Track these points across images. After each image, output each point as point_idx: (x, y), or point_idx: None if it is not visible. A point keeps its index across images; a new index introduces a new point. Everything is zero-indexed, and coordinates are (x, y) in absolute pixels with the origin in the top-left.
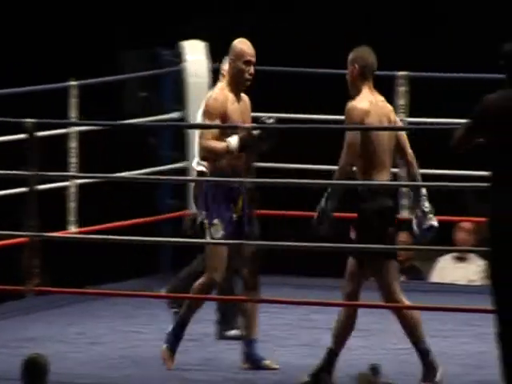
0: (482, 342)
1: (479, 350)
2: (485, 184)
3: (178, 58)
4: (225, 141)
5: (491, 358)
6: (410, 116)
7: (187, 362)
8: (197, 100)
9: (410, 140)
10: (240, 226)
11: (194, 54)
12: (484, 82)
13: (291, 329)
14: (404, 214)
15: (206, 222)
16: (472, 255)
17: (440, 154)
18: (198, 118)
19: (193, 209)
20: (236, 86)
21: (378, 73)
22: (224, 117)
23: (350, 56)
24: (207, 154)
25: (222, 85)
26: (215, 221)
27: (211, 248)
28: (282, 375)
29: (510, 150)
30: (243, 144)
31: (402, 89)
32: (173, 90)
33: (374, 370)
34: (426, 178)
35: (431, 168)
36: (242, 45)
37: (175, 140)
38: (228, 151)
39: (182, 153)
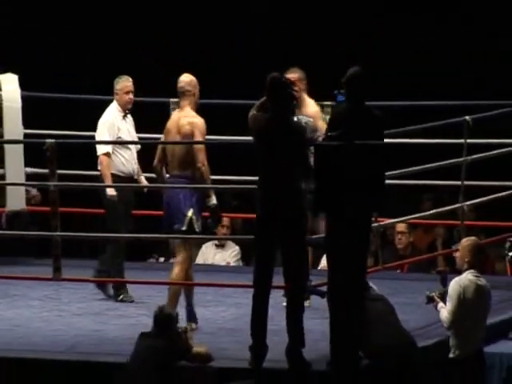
0: (234, 309)
1: (235, 317)
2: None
3: None
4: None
5: (244, 323)
6: None
7: None
8: (10, 120)
9: None
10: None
11: (8, 84)
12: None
13: (87, 301)
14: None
15: (194, 217)
16: (229, 242)
17: None
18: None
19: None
20: None
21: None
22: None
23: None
24: None
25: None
26: (198, 217)
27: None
28: (79, 337)
29: (267, 160)
30: None
31: None
32: None
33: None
34: None
35: None
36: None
37: None
38: None
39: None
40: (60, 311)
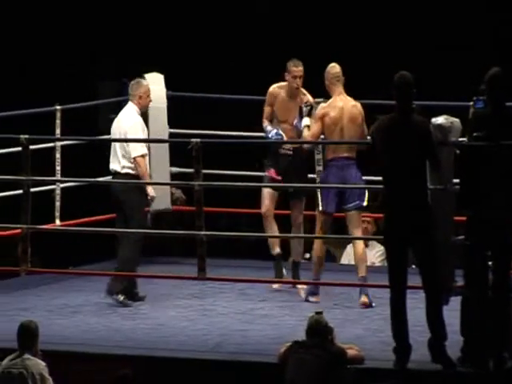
0: (379, 309)
1: (380, 317)
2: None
3: None
4: None
5: (389, 323)
6: None
7: None
8: (156, 120)
9: None
10: None
11: (154, 83)
12: None
13: (231, 300)
14: None
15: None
16: (373, 242)
17: None
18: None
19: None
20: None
21: None
22: None
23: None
24: None
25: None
26: None
27: None
28: (224, 337)
29: (391, 163)
30: None
31: None
32: None
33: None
34: None
35: None
36: None
37: None
38: None
39: None
40: (205, 310)
